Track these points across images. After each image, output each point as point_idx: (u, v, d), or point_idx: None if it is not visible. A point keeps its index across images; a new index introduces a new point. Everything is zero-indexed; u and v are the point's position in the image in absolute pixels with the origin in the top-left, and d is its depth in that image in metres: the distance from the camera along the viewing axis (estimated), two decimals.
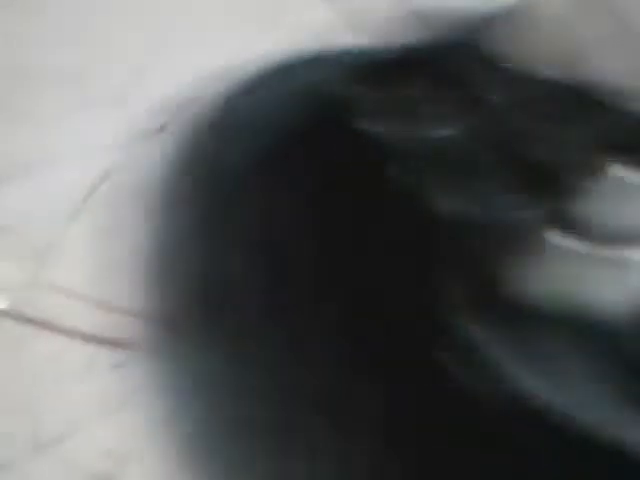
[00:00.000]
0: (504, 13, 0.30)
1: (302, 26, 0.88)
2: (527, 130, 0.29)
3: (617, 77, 0.28)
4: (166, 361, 0.32)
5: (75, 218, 0.82)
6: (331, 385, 0.29)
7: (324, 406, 0.28)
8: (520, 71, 0.29)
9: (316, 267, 0.30)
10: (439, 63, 0.30)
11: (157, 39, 0.95)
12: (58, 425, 0.71)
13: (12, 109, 0.92)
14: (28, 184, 0.85)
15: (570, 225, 0.27)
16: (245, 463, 0.29)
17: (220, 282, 0.31)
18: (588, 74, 0.28)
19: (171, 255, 0.33)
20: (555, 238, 0.26)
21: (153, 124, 0.88)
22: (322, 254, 0.30)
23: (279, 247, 0.31)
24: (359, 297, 0.28)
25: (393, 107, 0.29)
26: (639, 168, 0.28)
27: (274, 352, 0.30)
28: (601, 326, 0.26)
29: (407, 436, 0.28)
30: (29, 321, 0.75)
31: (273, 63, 0.36)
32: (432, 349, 0.26)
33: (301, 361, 0.29)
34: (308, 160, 0.31)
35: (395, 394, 0.28)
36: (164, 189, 0.34)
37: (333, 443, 0.28)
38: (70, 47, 0.95)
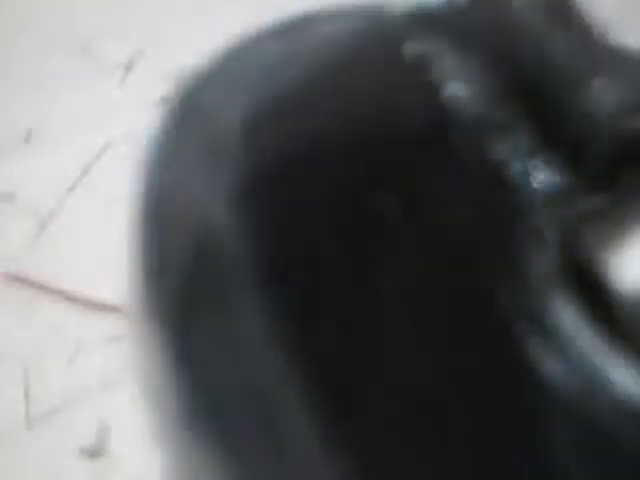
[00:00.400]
0: None
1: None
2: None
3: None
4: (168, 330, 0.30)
5: (76, 186, 0.83)
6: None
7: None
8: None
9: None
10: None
11: (157, 16, 0.96)
12: (53, 397, 0.71)
13: (12, 76, 0.92)
14: (29, 152, 0.85)
15: None
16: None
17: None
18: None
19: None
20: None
21: (155, 96, 0.88)
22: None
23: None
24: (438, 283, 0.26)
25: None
26: None
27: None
28: None
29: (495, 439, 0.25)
30: (31, 285, 0.75)
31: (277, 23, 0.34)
32: (519, 337, 0.24)
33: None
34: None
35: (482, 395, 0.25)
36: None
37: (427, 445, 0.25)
38: (73, 18, 0.95)
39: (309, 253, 0.27)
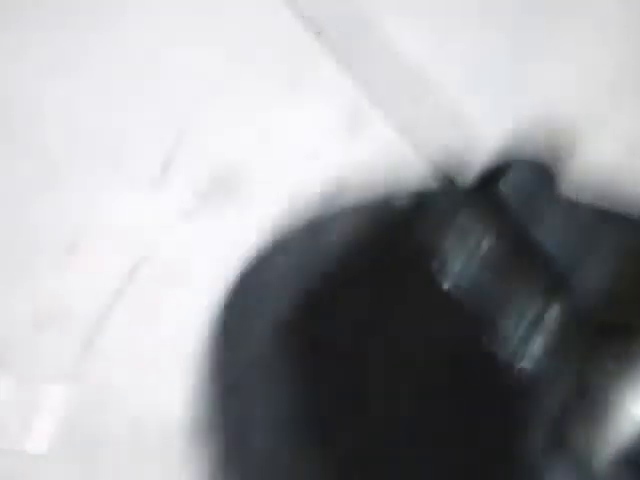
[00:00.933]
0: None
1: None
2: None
3: None
4: None
5: (118, 299, 0.85)
6: None
7: None
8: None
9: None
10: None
11: (190, 123, 0.98)
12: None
13: (55, 195, 0.95)
14: (71, 265, 0.88)
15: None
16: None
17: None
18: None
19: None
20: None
21: (193, 204, 0.91)
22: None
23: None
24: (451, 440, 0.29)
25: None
26: None
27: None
28: None
29: None
30: None
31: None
32: None
33: None
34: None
35: None
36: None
37: None
38: (107, 130, 0.98)
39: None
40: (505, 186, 0.31)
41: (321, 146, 0.98)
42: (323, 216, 0.36)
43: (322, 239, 0.35)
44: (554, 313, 0.29)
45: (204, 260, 0.87)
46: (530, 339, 0.29)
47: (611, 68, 0.85)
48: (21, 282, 0.87)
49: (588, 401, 0.28)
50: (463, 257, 0.31)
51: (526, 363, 0.29)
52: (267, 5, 1.05)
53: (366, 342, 0.32)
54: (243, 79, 1.03)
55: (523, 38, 0.85)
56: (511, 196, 0.31)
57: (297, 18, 1.06)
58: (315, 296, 0.33)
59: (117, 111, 0.99)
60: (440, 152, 0.85)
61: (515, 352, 0.29)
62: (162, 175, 0.94)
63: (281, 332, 0.34)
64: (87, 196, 0.92)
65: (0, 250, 0.89)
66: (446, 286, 0.30)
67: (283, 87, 1.04)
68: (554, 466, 0.28)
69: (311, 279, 0.34)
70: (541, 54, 0.82)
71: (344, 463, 0.31)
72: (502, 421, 0.29)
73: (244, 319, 0.35)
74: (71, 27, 1.02)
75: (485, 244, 0.30)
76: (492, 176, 0.31)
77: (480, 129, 0.67)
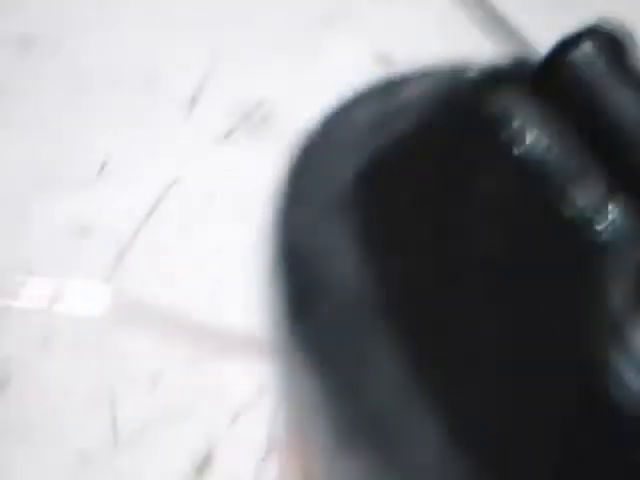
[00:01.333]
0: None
1: None
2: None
3: None
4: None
5: (150, 217, 0.86)
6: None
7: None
8: None
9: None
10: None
11: (224, 49, 0.99)
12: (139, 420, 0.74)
13: (80, 111, 0.96)
14: (103, 185, 0.89)
15: None
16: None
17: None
18: None
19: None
20: None
21: (221, 130, 0.92)
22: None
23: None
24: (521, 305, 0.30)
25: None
26: None
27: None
28: None
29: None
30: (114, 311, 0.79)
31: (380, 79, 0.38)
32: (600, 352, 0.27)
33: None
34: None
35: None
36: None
37: None
38: (139, 53, 0.99)
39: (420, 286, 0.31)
40: (578, 58, 0.32)
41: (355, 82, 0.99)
42: (403, 76, 0.37)
43: (402, 96, 0.35)
44: (631, 184, 0.30)
45: (234, 183, 0.88)
46: (606, 205, 0.30)
47: None
48: (59, 195, 0.88)
49: None
50: (535, 129, 0.31)
51: (603, 226, 0.29)
52: None
53: (437, 203, 0.33)
54: (276, 15, 1.05)
55: None
56: (583, 69, 0.31)
57: None
58: (392, 153, 0.33)
59: (152, 41, 1.01)
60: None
61: (591, 217, 0.30)
62: (194, 101, 0.95)
63: (355, 186, 0.34)
64: (121, 118, 0.93)
65: (39, 165, 0.90)
66: (517, 156, 0.31)
67: (316, 23, 1.05)
68: (636, 323, 0.29)
69: (389, 135, 0.34)
70: None
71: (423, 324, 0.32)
72: (581, 279, 0.29)
73: (318, 171, 0.35)
74: None
75: (555, 117, 0.31)
76: (564, 48, 0.31)
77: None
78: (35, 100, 0.96)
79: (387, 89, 0.36)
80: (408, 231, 0.31)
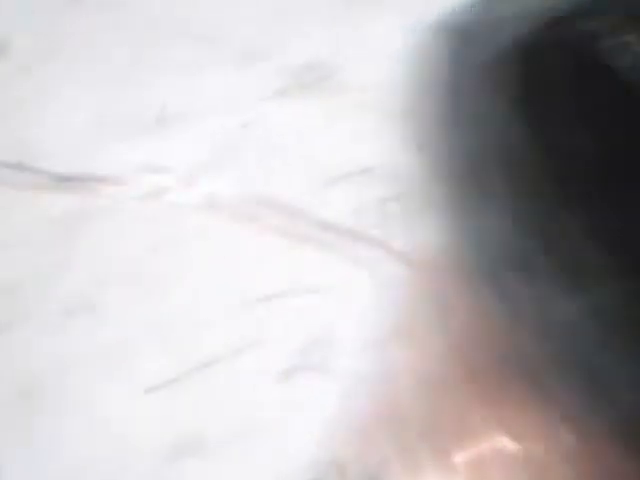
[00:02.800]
0: None
1: None
2: None
3: None
4: None
5: (210, 166, 0.92)
6: None
7: None
8: None
9: None
10: None
11: (280, 11, 1.05)
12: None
13: (149, 62, 1.01)
14: (162, 133, 0.94)
15: None
16: None
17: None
18: None
19: None
20: None
21: (278, 83, 0.98)
22: None
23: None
24: None
25: None
26: None
27: None
28: None
29: None
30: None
31: None
32: None
33: None
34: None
35: None
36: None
37: None
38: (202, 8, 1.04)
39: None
40: None
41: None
42: None
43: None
44: None
45: (296, 135, 0.94)
46: None
47: None
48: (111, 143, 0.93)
49: None
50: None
51: None
52: None
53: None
54: None
55: None
56: None
57: None
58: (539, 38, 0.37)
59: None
60: None
61: None
62: (254, 56, 1.01)
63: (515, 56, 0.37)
64: (182, 70, 0.99)
65: (107, 109, 0.95)
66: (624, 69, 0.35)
67: None
68: None
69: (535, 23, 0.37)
70: None
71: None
72: None
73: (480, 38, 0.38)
74: None
75: None
76: None
77: None
78: (104, 50, 1.01)
79: None
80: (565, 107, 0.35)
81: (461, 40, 0.39)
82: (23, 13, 1.03)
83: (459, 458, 0.38)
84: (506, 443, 0.38)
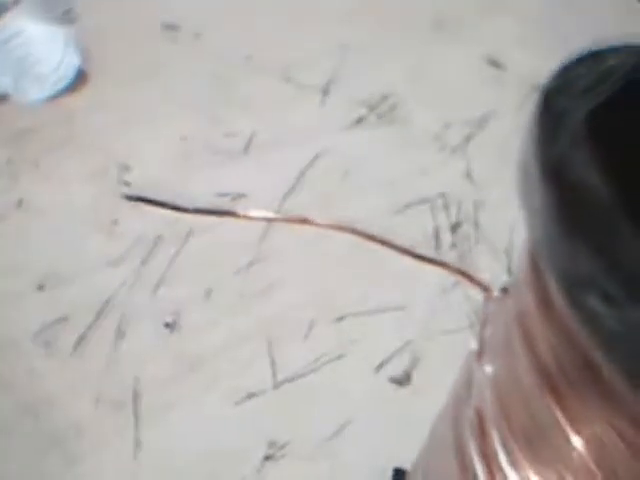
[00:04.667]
0: None
1: None
2: None
3: None
4: None
5: (294, 190, 0.98)
6: None
7: None
8: None
9: None
10: None
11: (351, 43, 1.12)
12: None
13: (233, 98, 1.08)
14: (249, 161, 1.01)
15: None
16: None
17: None
18: None
19: None
20: None
21: (355, 114, 1.05)
22: None
23: None
24: None
25: None
26: None
27: None
28: None
29: None
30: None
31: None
32: None
33: None
34: None
35: None
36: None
37: None
38: (279, 45, 1.11)
39: None
40: None
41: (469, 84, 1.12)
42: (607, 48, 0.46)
43: (608, 63, 0.45)
44: None
45: (367, 163, 1.01)
46: None
47: None
48: (203, 170, 0.99)
49: None
50: None
51: None
52: None
53: None
54: (393, 21, 1.17)
55: None
56: None
57: None
58: (610, 101, 0.43)
59: (283, 33, 1.13)
60: None
61: None
62: (326, 91, 1.07)
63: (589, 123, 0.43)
64: (262, 102, 1.06)
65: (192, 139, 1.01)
66: None
67: (428, 29, 1.18)
68: None
69: (604, 89, 0.43)
70: None
71: None
72: None
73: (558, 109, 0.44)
74: None
75: None
76: None
77: None
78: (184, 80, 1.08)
79: (594, 58, 0.46)
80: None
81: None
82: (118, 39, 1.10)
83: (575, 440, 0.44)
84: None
